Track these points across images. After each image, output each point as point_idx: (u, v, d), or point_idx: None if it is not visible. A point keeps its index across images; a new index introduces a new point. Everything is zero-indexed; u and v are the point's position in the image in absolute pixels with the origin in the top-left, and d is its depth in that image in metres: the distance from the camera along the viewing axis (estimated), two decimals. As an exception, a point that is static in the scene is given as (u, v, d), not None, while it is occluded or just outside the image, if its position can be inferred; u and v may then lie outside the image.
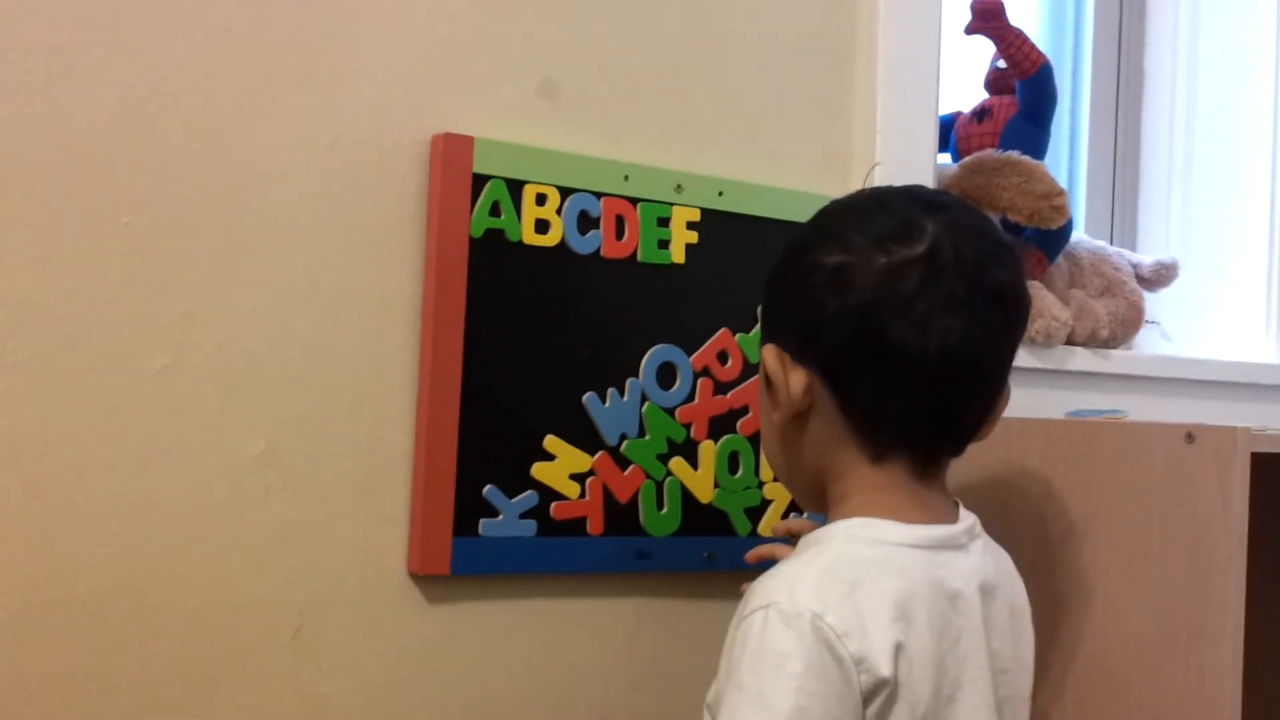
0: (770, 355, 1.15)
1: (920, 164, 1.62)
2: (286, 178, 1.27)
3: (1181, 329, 2.11)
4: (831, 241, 1.13)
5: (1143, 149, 2.26)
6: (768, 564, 1.15)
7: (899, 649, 1.05)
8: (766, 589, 1.07)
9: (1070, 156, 2.23)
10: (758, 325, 1.50)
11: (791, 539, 1.34)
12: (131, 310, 1.20)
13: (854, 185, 1.57)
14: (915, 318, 1.08)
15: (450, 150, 1.33)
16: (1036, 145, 1.78)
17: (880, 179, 1.57)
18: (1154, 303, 1.97)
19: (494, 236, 1.35)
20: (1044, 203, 1.67)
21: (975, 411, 1.15)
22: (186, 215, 1.22)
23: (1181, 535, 1.29)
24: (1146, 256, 2.01)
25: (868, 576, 1.07)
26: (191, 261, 1.22)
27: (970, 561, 1.14)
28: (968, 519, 1.17)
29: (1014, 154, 1.72)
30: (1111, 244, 2.03)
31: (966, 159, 1.76)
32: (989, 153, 1.74)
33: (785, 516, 1.51)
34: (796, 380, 1.13)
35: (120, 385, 1.19)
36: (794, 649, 1.02)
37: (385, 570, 1.32)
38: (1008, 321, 1.14)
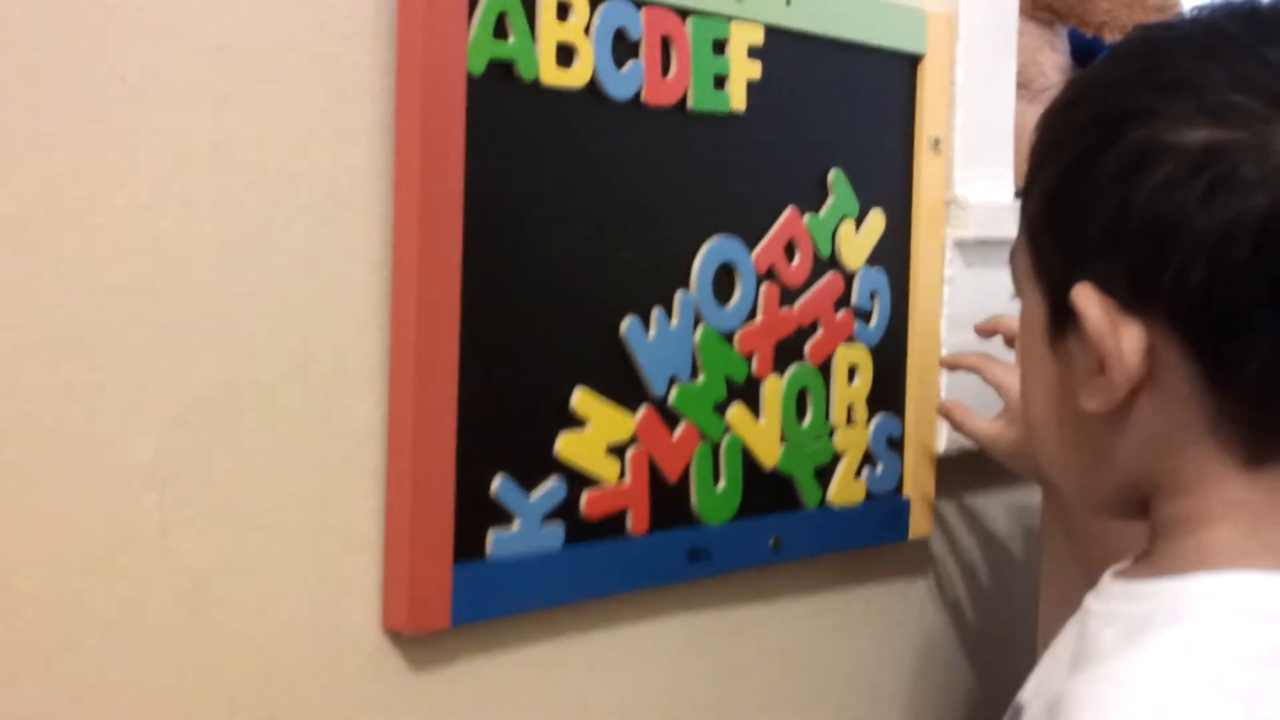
0: (1089, 301, 0.68)
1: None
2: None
3: None
4: (1187, 100, 0.66)
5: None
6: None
7: None
8: (1109, 710, 0.62)
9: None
10: (830, 201, 1.02)
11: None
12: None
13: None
14: None
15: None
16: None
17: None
18: None
19: (500, 72, 0.82)
20: (1155, 17, 1.23)
21: None
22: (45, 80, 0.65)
23: None
24: None
25: (1273, 681, 0.63)
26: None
27: None
28: None
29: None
30: None
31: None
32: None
33: (860, 471, 1.05)
34: (1131, 340, 0.67)
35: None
36: None
37: (349, 630, 0.80)
38: None
